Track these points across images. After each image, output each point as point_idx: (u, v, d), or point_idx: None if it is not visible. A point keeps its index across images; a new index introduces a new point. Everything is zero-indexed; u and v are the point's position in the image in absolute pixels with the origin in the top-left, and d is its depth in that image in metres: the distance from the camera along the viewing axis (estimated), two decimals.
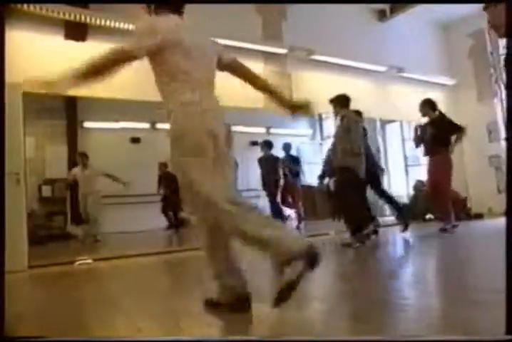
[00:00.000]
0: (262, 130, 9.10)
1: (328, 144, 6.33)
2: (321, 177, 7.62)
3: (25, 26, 4.20)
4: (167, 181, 6.73)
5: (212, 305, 1.85)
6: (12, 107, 3.43)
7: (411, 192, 7.24)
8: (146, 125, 8.10)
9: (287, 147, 6.58)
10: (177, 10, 1.95)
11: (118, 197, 6.83)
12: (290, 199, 6.58)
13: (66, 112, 7.60)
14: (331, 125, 7.55)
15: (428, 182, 4.95)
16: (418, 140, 4.98)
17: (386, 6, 6.91)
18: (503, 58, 2.05)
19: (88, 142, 7.71)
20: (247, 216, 1.71)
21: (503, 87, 6.68)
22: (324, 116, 9.58)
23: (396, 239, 4.85)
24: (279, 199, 6.29)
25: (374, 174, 4.57)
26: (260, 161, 6.36)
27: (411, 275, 2.78)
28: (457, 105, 7.55)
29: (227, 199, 1.72)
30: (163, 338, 1.63)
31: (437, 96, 7.29)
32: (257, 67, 5.61)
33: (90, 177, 6.07)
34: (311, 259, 1.58)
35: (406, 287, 2.35)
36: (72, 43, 4.49)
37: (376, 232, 4.56)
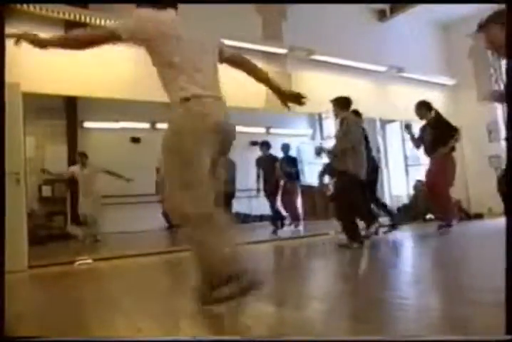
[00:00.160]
0: (262, 130, 9.10)
1: (328, 144, 6.32)
2: (321, 176, 7.63)
3: (25, 26, 4.19)
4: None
5: (216, 301, 1.77)
6: (12, 107, 3.43)
7: (411, 192, 7.24)
8: (146, 125, 8.10)
9: (285, 147, 6.58)
10: (170, 5, 1.95)
11: (117, 197, 6.83)
12: (284, 201, 6.58)
13: (66, 112, 7.60)
14: (331, 125, 7.54)
15: (426, 182, 4.95)
16: (417, 142, 4.98)
17: (386, 6, 6.91)
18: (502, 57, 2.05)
19: (88, 142, 7.71)
20: (214, 229, 1.77)
21: (502, 87, 6.67)
22: (324, 116, 9.57)
23: (395, 239, 4.85)
24: (277, 199, 6.33)
25: (372, 179, 4.56)
26: (259, 161, 6.40)
27: (410, 275, 2.78)
28: (457, 105, 7.55)
29: (202, 211, 1.75)
30: (163, 338, 1.63)
31: (437, 96, 7.31)
32: None
33: (89, 176, 6.04)
34: (245, 287, 1.72)
35: (406, 287, 2.35)
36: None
37: (376, 233, 4.57)
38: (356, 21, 6.81)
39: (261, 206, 6.85)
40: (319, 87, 5.93)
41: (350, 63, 6.39)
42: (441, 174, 4.65)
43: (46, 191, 7.37)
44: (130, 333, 1.66)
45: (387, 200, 8.70)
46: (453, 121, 4.86)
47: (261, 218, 7.81)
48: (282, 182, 6.35)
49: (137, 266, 3.81)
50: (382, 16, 7.03)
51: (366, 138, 4.50)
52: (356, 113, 4.47)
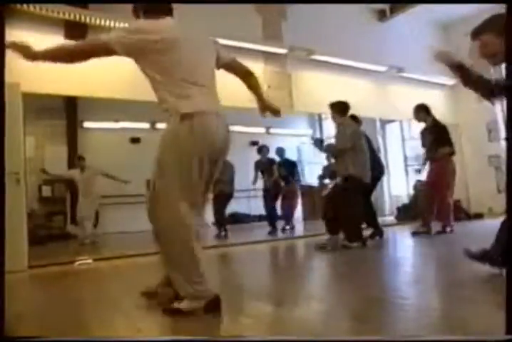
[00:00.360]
0: (262, 130, 9.11)
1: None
2: (321, 178, 7.64)
3: (25, 26, 4.20)
4: None
5: (172, 312, 1.82)
6: (12, 107, 3.43)
7: (411, 191, 7.25)
8: (146, 125, 8.11)
9: (279, 151, 6.60)
10: (166, 12, 1.95)
11: (117, 197, 6.84)
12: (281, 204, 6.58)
13: (66, 112, 7.61)
14: (331, 125, 7.55)
15: (427, 184, 4.93)
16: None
17: (386, 6, 6.91)
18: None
19: (88, 142, 7.71)
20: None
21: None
22: (323, 116, 9.59)
23: (395, 238, 4.85)
24: (274, 202, 6.37)
25: (372, 184, 4.55)
26: (257, 164, 6.44)
27: (410, 274, 2.78)
28: (457, 105, 7.55)
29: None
30: (163, 338, 1.63)
31: (437, 96, 7.31)
32: (257, 67, 5.61)
33: (89, 179, 6.06)
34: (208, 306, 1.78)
35: (406, 287, 2.35)
36: (72, 43, 4.49)
37: (381, 236, 4.56)
38: (356, 21, 6.81)
39: (260, 206, 6.85)
40: (319, 87, 5.93)
41: (350, 63, 6.38)
42: (441, 178, 4.65)
43: (46, 191, 7.38)
44: (130, 333, 1.66)
45: (387, 200, 8.73)
46: (453, 120, 4.86)
47: (260, 218, 7.81)
48: (282, 185, 6.38)
49: (137, 266, 3.81)
50: (382, 16, 7.03)
51: (368, 142, 4.49)
52: (354, 118, 4.46)
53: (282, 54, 5.87)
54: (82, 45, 1.93)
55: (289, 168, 6.47)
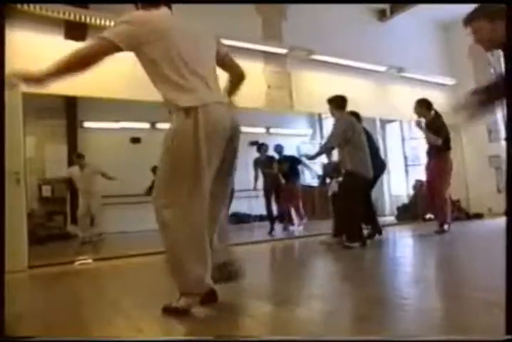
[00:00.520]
0: (262, 130, 9.10)
1: None
2: (322, 178, 7.61)
3: (25, 26, 4.20)
4: None
5: (171, 311, 1.83)
6: (12, 107, 3.43)
7: (411, 191, 7.24)
8: (146, 125, 8.10)
9: (277, 148, 6.59)
10: (162, 2, 1.93)
11: (117, 196, 6.83)
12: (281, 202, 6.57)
13: (66, 112, 7.60)
14: (331, 125, 7.56)
15: (426, 183, 4.94)
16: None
17: (386, 6, 6.91)
18: (502, 57, 2.04)
19: (88, 142, 7.71)
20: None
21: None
22: (323, 116, 9.58)
23: (395, 238, 4.85)
24: (277, 199, 6.36)
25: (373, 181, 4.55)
26: (256, 162, 6.44)
27: (410, 274, 2.78)
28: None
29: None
30: (163, 338, 1.63)
31: (437, 96, 7.30)
32: (257, 67, 5.63)
33: (89, 177, 6.07)
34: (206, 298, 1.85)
35: (406, 287, 2.35)
36: (72, 43, 4.48)
37: (380, 233, 4.56)
38: (356, 20, 6.81)
39: (260, 206, 6.85)
40: (319, 87, 5.92)
41: (350, 63, 6.38)
42: (439, 175, 4.65)
43: (46, 191, 7.37)
44: (130, 333, 1.66)
45: (387, 200, 8.72)
46: (454, 121, 4.84)
47: (260, 218, 7.81)
48: (282, 182, 6.38)
49: (137, 266, 3.81)
50: (382, 15, 7.02)
51: (370, 139, 4.49)
52: (356, 115, 4.44)
53: (282, 54, 5.87)
54: (90, 50, 1.79)
55: (292, 164, 6.46)
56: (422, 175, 5.34)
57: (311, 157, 4.78)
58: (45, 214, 7.13)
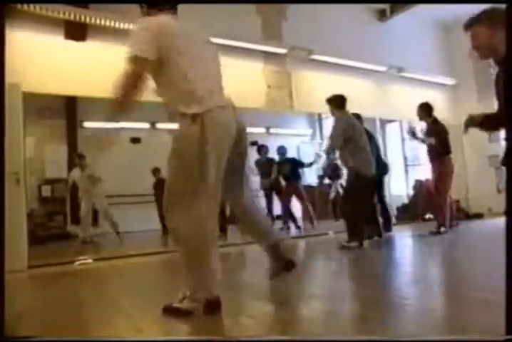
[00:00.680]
0: (262, 130, 9.10)
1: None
2: (321, 178, 7.61)
3: (25, 26, 4.20)
4: (162, 187, 6.64)
5: (172, 312, 1.83)
6: (12, 108, 3.43)
7: (411, 191, 7.24)
8: (146, 125, 8.09)
9: (280, 150, 6.59)
10: (172, 9, 1.94)
11: (118, 196, 6.83)
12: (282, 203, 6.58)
13: (66, 112, 7.60)
14: (331, 125, 7.56)
15: (430, 185, 4.97)
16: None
17: (386, 6, 6.91)
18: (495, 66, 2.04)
19: (88, 142, 7.70)
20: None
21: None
22: (323, 116, 9.58)
23: (395, 238, 4.85)
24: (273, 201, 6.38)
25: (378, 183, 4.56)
26: (257, 163, 6.44)
27: (410, 274, 2.77)
28: (457, 105, 7.55)
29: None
30: (163, 338, 1.63)
31: (437, 96, 7.31)
32: (257, 67, 5.63)
33: (92, 176, 6.05)
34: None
35: (406, 286, 2.35)
36: (72, 42, 4.49)
37: (379, 236, 4.56)
38: (356, 20, 6.81)
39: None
40: (319, 87, 5.93)
41: (350, 63, 6.38)
42: (440, 179, 4.69)
43: (46, 191, 7.37)
44: (130, 333, 1.66)
45: (387, 200, 8.72)
46: (454, 121, 4.86)
47: None
48: (282, 184, 6.39)
49: (137, 266, 3.81)
50: (382, 15, 7.03)
51: (371, 139, 4.49)
52: (358, 117, 4.45)
53: (282, 54, 5.87)
54: (137, 72, 1.80)
55: (293, 166, 6.45)
56: (422, 175, 5.35)
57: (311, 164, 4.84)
58: (45, 214, 7.12)
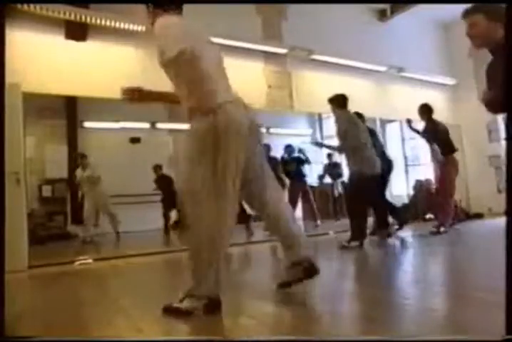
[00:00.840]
0: (262, 130, 9.09)
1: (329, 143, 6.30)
2: (322, 177, 7.60)
3: (25, 26, 4.20)
4: (163, 183, 6.68)
5: (172, 311, 1.83)
6: (12, 107, 3.43)
7: (411, 191, 7.24)
8: (146, 125, 8.08)
9: (287, 148, 6.57)
10: (177, 9, 1.96)
11: (118, 196, 6.83)
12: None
13: (66, 112, 7.59)
14: (331, 125, 7.55)
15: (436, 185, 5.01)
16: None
17: (386, 6, 6.91)
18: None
19: (88, 142, 7.70)
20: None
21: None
22: (324, 116, 9.57)
23: (396, 238, 4.84)
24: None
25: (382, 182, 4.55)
26: None
27: (411, 274, 2.77)
28: (457, 104, 7.55)
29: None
30: (163, 338, 1.63)
31: (437, 96, 7.31)
32: (257, 67, 5.63)
33: (91, 177, 6.06)
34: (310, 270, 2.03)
35: (406, 286, 2.35)
36: (72, 42, 4.49)
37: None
38: (356, 20, 6.81)
39: None
40: (319, 87, 5.93)
41: (350, 63, 6.38)
42: (444, 178, 4.72)
43: (46, 191, 7.37)
44: (130, 333, 1.66)
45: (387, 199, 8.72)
46: (454, 121, 4.86)
47: (260, 218, 7.77)
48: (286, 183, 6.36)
49: (137, 266, 3.81)
50: (382, 15, 7.03)
51: (373, 136, 4.49)
52: (360, 116, 4.44)
53: (282, 54, 5.87)
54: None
55: (298, 165, 6.42)
56: (422, 175, 5.36)
57: (322, 145, 4.99)
58: (45, 214, 7.12)
